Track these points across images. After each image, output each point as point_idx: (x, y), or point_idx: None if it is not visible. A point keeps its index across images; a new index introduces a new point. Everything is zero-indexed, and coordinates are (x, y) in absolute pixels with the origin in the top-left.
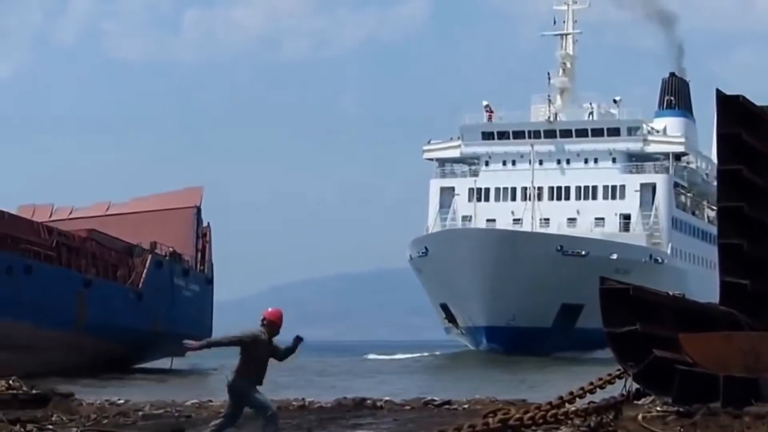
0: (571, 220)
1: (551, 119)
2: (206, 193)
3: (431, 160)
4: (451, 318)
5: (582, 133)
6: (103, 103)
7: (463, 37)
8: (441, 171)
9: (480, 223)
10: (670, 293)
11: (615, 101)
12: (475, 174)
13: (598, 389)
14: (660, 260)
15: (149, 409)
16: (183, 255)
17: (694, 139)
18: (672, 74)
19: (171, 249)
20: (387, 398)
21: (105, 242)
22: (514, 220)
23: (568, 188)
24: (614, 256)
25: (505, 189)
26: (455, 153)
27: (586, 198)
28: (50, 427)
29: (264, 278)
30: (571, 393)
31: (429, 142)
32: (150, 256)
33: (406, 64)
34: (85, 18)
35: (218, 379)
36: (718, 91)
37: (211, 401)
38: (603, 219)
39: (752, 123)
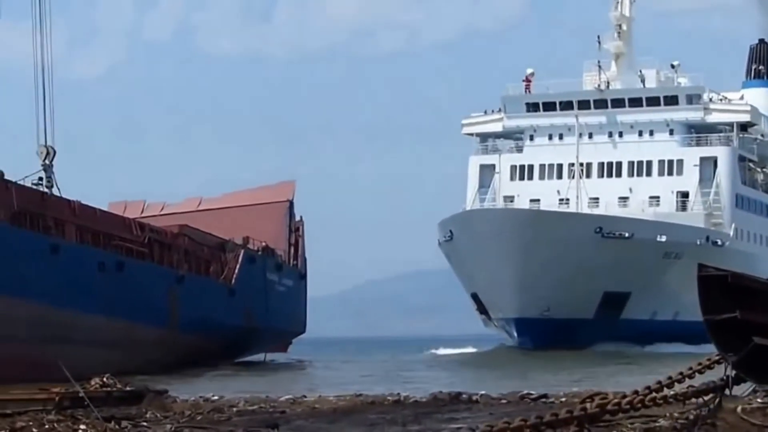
0: (623, 199)
1: (601, 87)
2: (299, 187)
3: (471, 135)
4: (483, 309)
5: (636, 102)
6: (194, 97)
7: (558, 21)
8: (483, 147)
9: (522, 204)
10: None
11: (673, 66)
12: (519, 149)
13: (696, 374)
14: (720, 242)
15: (243, 405)
16: (276, 250)
17: None
18: (761, 41)
19: (264, 244)
20: (483, 392)
21: (197, 238)
22: (560, 200)
23: (619, 164)
24: (662, 239)
25: (551, 166)
26: (497, 127)
27: (639, 174)
28: (144, 424)
29: (360, 273)
30: (670, 377)
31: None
32: (242, 252)
33: (505, 53)
34: (176, 12)
35: (312, 373)
36: None
37: (305, 396)
38: (658, 197)
39: None
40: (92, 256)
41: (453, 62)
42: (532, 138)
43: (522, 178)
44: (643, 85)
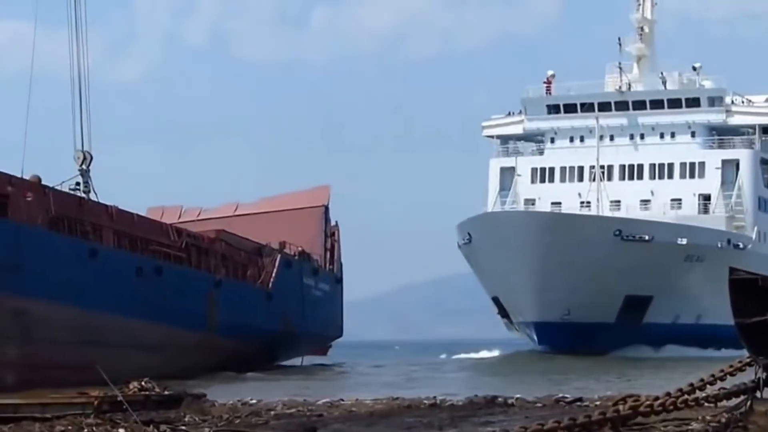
0: (645, 202)
1: (623, 89)
2: (334, 192)
3: (492, 137)
4: (504, 313)
5: (657, 104)
6: (230, 103)
7: (592, 24)
8: (504, 149)
9: (543, 207)
10: None
11: (694, 68)
12: (540, 152)
13: (728, 376)
14: (742, 246)
15: (281, 408)
16: (312, 254)
17: None
18: None
19: (300, 248)
20: (518, 396)
21: (234, 242)
22: (582, 203)
23: (641, 166)
24: (683, 241)
25: (572, 168)
26: (518, 129)
27: (661, 177)
28: (183, 427)
29: (396, 277)
30: (702, 380)
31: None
32: (279, 256)
33: (539, 57)
34: (212, 18)
35: (346, 377)
36: None
37: (342, 400)
38: (680, 200)
39: None
40: (130, 260)
41: (486, 66)
42: (552, 140)
43: (543, 180)
44: (665, 87)
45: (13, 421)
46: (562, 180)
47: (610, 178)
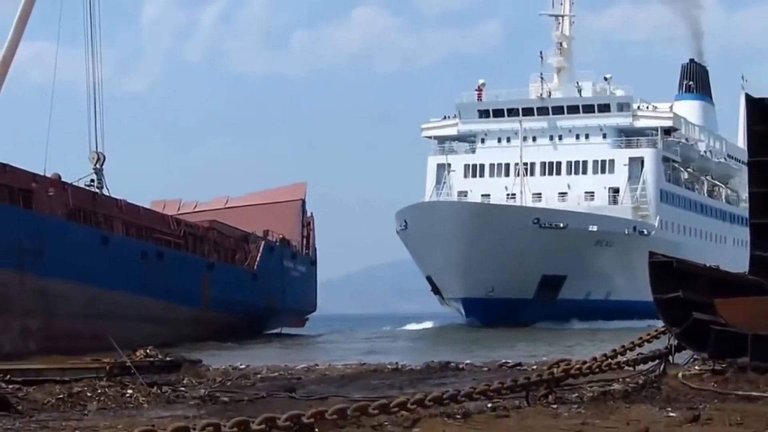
0: (562, 195)
1: (543, 96)
2: (310, 188)
3: (430, 138)
4: (436, 290)
5: (573, 109)
6: (223, 110)
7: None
8: (441, 148)
9: (474, 198)
10: (707, 265)
11: (606, 79)
12: (472, 151)
13: (645, 343)
14: (646, 232)
15: (266, 372)
16: (291, 241)
17: (713, 122)
18: (691, 60)
19: (281, 236)
20: (468, 361)
21: (224, 231)
22: (508, 195)
23: (559, 163)
24: (594, 228)
25: (499, 165)
26: (452, 131)
27: (576, 173)
28: (182, 388)
29: (361, 260)
30: (623, 346)
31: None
32: (263, 243)
33: (484, 71)
34: (208, 39)
35: (321, 345)
36: (747, 95)
37: (317, 365)
38: (593, 193)
39: None
40: (136, 246)
41: (440, 79)
42: (483, 141)
43: (474, 175)
44: (580, 94)
45: (37, 383)
46: (491, 175)
47: (532, 174)
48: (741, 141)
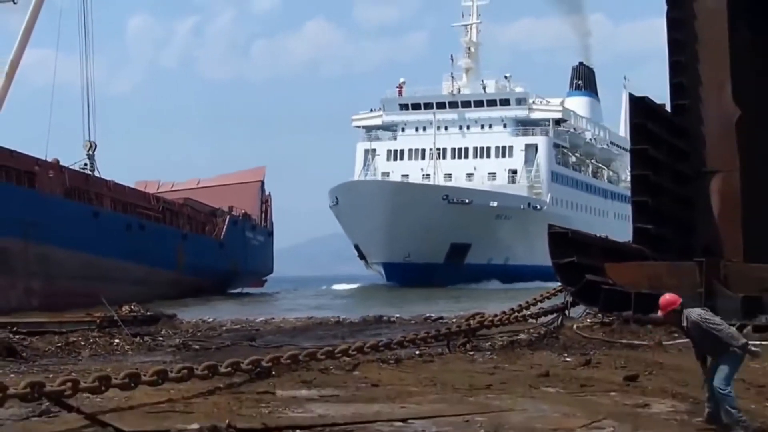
0: (470, 175)
1: (454, 92)
2: (268, 171)
3: (359, 127)
4: (362, 256)
5: (479, 103)
6: (195, 108)
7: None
8: (368, 136)
9: (396, 178)
10: (597, 235)
11: (506, 77)
12: (394, 138)
13: (546, 300)
14: (539, 207)
15: (230, 325)
16: (251, 215)
17: (599, 114)
18: (580, 63)
19: (243, 211)
20: (398, 315)
21: (196, 207)
22: (424, 175)
23: (467, 149)
24: (494, 204)
25: (417, 150)
26: (378, 121)
27: (481, 157)
28: (160, 338)
29: (308, 231)
30: (527, 302)
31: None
32: (228, 217)
33: (412, 75)
34: (182, 48)
35: (276, 302)
36: (630, 94)
37: (273, 318)
38: (495, 174)
39: (653, 116)
40: (122, 220)
41: (375, 83)
42: (403, 129)
43: (395, 159)
44: (485, 90)
45: (39, 334)
46: (410, 159)
47: (444, 158)
48: (623, 131)
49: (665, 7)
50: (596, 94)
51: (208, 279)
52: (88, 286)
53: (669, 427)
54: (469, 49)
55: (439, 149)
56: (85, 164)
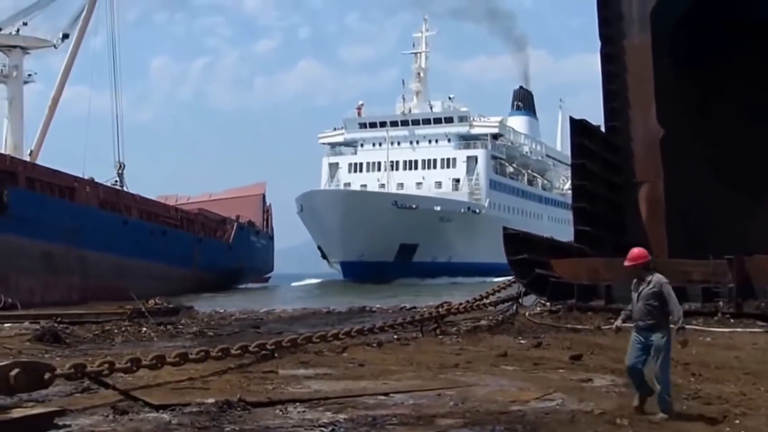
0: (419, 184)
1: (405, 112)
2: (269, 186)
3: (324, 144)
4: (324, 256)
5: (427, 121)
6: (205, 134)
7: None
8: (333, 151)
9: (356, 188)
10: (545, 236)
11: (450, 98)
12: (354, 153)
13: (502, 291)
14: (477, 211)
15: (238, 315)
16: (255, 223)
17: (537, 131)
18: (521, 87)
19: (248, 219)
20: (378, 305)
21: (209, 216)
22: (380, 185)
23: (417, 161)
24: (438, 208)
25: (374, 163)
26: (340, 138)
27: (429, 168)
28: (180, 326)
29: (302, 235)
30: (487, 292)
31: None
32: (236, 224)
33: (386, 103)
34: (196, 83)
35: (276, 295)
36: (570, 117)
37: (274, 309)
38: (441, 182)
39: (590, 135)
40: (147, 227)
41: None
42: (362, 145)
43: (356, 171)
44: (431, 110)
45: (79, 324)
46: (368, 171)
47: (397, 169)
48: (559, 145)
49: (599, 44)
50: (534, 113)
51: (219, 276)
52: (119, 282)
53: (609, 398)
54: (419, 74)
55: (392, 162)
56: (116, 181)
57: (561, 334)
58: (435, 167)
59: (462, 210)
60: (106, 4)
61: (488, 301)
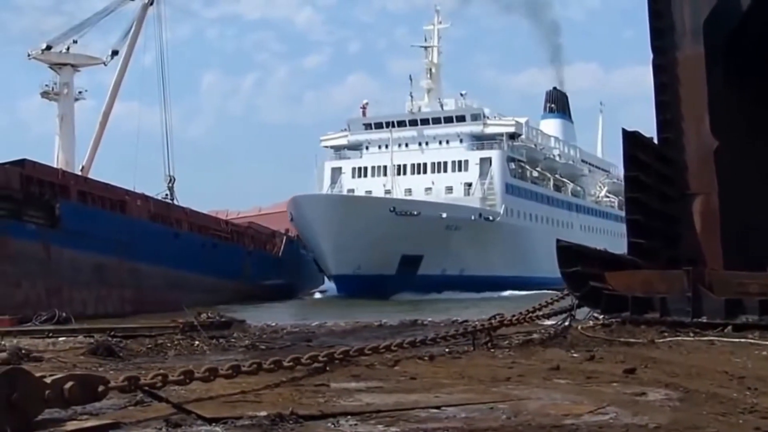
0: (428, 189)
1: (413, 111)
2: None
3: (327, 147)
4: (320, 269)
5: (437, 120)
6: (257, 149)
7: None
8: (337, 155)
9: (360, 194)
10: (599, 248)
11: (462, 95)
12: (360, 156)
13: (555, 303)
14: (491, 218)
15: (290, 328)
16: None
17: (572, 135)
18: (554, 88)
19: (297, 233)
20: (430, 319)
21: (258, 229)
22: (386, 191)
23: (426, 164)
24: (444, 215)
25: (379, 167)
26: (344, 141)
27: (439, 171)
28: (233, 340)
29: None
30: (540, 304)
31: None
32: (285, 237)
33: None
34: (246, 98)
35: (328, 309)
36: (623, 129)
37: (326, 322)
38: (451, 187)
39: (643, 147)
40: (198, 240)
41: None
42: (367, 148)
43: (360, 176)
44: (442, 108)
45: (132, 337)
46: (373, 175)
47: (404, 173)
48: (599, 150)
49: (651, 56)
50: (569, 116)
51: (269, 288)
52: (171, 295)
53: (663, 412)
54: (430, 70)
55: (399, 165)
56: (166, 194)
57: (614, 347)
58: (445, 171)
59: (472, 217)
60: (154, 21)
61: (541, 313)
